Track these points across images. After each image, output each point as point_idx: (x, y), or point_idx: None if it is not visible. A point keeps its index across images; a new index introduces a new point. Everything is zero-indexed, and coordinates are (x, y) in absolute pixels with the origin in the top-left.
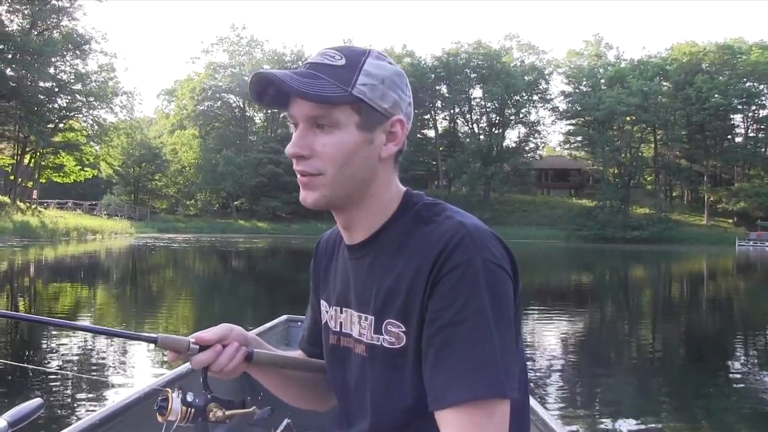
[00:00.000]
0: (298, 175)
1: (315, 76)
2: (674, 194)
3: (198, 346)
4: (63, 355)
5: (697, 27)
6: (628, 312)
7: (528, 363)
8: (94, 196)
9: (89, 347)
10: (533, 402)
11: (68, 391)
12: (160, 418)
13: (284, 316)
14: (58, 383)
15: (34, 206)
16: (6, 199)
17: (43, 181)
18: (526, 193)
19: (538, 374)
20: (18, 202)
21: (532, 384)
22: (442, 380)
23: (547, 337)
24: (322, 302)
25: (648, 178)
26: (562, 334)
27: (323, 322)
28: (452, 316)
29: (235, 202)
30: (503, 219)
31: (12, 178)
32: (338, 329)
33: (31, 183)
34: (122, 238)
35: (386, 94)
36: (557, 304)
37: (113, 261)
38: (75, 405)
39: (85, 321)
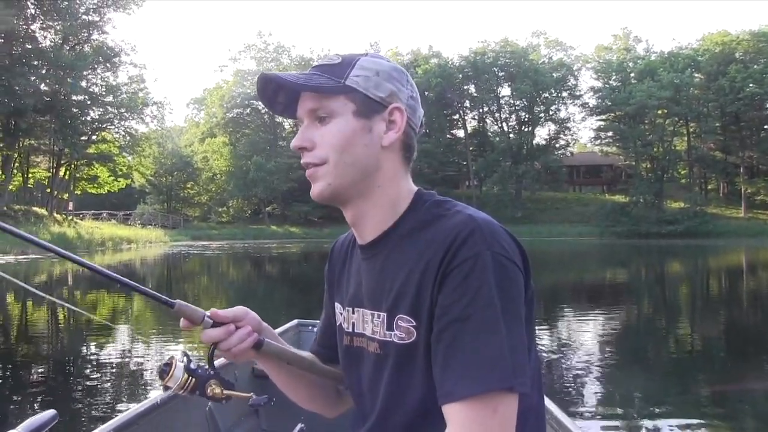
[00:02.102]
0: (306, 169)
1: (310, 73)
2: (710, 187)
3: (212, 321)
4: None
5: (730, 16)
6: (666, 309)
7: (564, 363)
8: (128, 205)
9: (118, 348)
10: (549, 402)
11: (82, 401)
12: (159, 381)
13: (295, 321)
14: (71, 392)
15: (70, 218)
16: (43, 211)
17: (78, 192)
18: (558, 190)
19: (574, 374)
20: (54, 214)
21: (568, 385)
22: (450, 375)
23: (584, 336)
24: (336, 305)
25: (682, 172)
26: (599, 332)
27: (337, 324)
28: (461, 311)
29: (267, 208)
30: (536, 217)
31: (48, 190)
32: (351, 330)
33: (67, 195)
34: (157, 246)
35: (381, 84)
36: (593, 302)
37: (149, 269)
38: (88, 416)
39: (123, 325)
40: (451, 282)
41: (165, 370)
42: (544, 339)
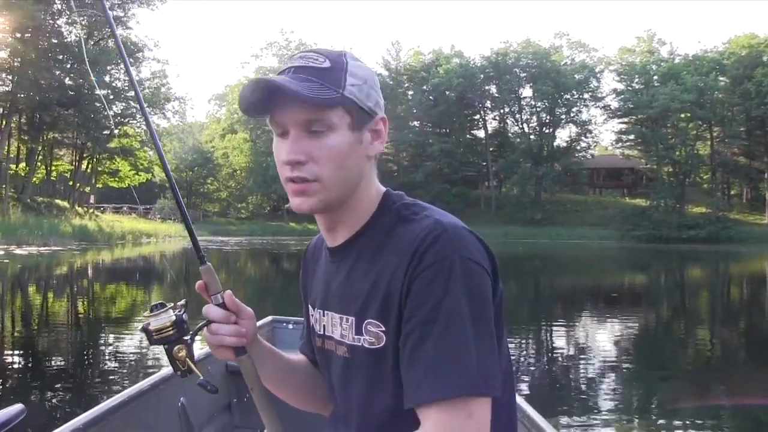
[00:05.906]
0: (291, 183)
1: (306, 79)
2: (732, 192)
3: (222, 302)
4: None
5: (758, 18)
6: (684, 316)
7: (578, 367)
8: (148, 200)
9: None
10: (521, 401)
11: (54, 396)
12: (146, 313)
13: (269, 317)
14: (43, 387)
15: (91, 210)
16: (65, 203)
17: (100, 186)
18: (578, 193)
19: (588, 379)
20: (76, 207)
21: (581, 390)
22: (417, 377)
23: (600, 341)
24: (309, 306)
25: (704, 177)
26: (615, 337)
27: (311, 326)
28: (428, 314)
29: (285, 205)
30: (555, 219)
31: (71, 183)
32: (322, 332)
33: (89, 188)
34: (175, 241)
35: (370, 94)
36: (611, 307)
37: (167, 263)
38: (59, 411)
39: (137, 323)
40: (418, 285)
41: (156, 308)
42: (560, 342)
